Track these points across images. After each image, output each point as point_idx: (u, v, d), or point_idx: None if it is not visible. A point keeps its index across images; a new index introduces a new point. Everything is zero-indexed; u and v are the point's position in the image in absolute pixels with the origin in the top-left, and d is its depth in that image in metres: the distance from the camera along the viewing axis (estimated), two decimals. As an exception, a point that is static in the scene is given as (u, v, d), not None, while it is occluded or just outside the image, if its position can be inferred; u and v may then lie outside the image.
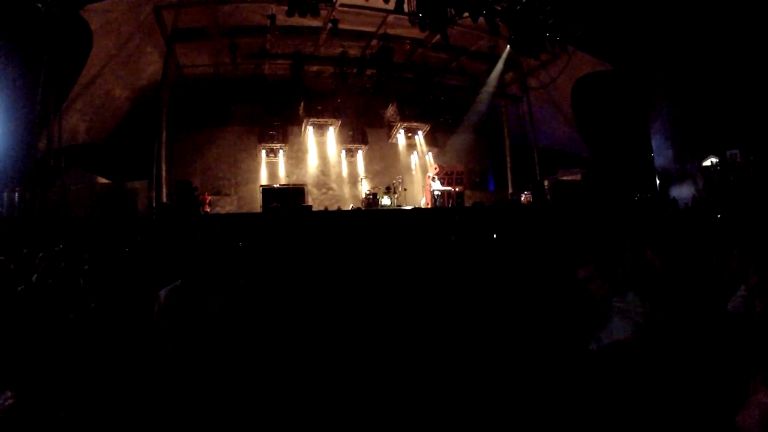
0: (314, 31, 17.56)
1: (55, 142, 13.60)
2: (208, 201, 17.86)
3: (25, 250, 6.55)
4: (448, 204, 18.47)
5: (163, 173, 17.16)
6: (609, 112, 19.72)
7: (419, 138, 23.34)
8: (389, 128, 23.30)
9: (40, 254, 5.64)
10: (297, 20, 15.22)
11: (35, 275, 4.92)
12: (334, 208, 19.27)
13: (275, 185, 20.84)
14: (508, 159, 23.42)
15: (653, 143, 18.86)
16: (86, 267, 4.02)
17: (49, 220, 12.45)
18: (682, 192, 17.36)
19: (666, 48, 16.99)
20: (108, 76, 16.40)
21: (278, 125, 21.42)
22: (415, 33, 17.49)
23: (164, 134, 17.39)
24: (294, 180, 21.25)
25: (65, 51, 13.18)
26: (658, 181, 18.64)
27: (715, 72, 16.14)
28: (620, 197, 18.21)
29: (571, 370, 2.76)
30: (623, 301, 2.88)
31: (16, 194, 13.09)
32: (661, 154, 18.60)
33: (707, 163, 17.30)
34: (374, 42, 18.61)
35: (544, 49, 17.28)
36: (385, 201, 19.06)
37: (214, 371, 3.19)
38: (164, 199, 16.34)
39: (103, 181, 17.53)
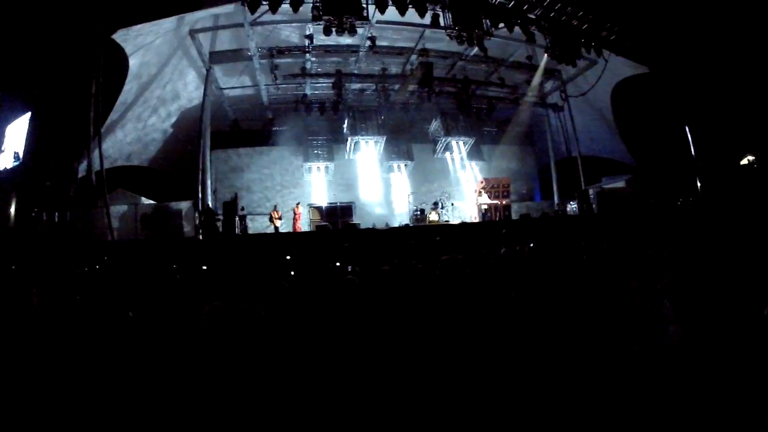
0: (353, 49, 17.60)
1: (97, 164, 13.74)
2: (278, 216, 17.60)
3: (64, 271, 6.41)
4: (496, 217, 18.03)
5: (208, 193, 17.21)
6: (649, 116, 19.36)
7: (464, 152, 22.87)
8: (434, 143, 23.01)
9: (79, 273, 5.46)
10: (335, 39, 15.16)
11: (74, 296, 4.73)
12: (382, 225, 18.91)
13: (323, 203, 20.78)
14: (553, 169, 22.81)
15: (694, 145, 18.21)
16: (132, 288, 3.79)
17: (89, 240, 12.52)
18: (722, 193, 16.88)
19: (703, 48, 16.53)
20: (147, 98, 16.75)
21: (323, 143, 21.51)
22: (453, 46, 17.32)
23: (208, 155, 17.52)
24: (341, 198, 21.10)
25: (104, 74, 13.31)
26: (699, 184, 17.89)
27: (752, 70, 15.78)
28: (663, 203, 17.88)
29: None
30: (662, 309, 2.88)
31: (56, 215, 13.23)
32: (702, 156, 18.01)
33: (744, 161, 16.97)
34: (413, 57, 18.53)
35: (580, 55, 17.15)
36: (433, 216, 18.67)
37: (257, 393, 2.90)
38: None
39: (148, 201, 17.69)
